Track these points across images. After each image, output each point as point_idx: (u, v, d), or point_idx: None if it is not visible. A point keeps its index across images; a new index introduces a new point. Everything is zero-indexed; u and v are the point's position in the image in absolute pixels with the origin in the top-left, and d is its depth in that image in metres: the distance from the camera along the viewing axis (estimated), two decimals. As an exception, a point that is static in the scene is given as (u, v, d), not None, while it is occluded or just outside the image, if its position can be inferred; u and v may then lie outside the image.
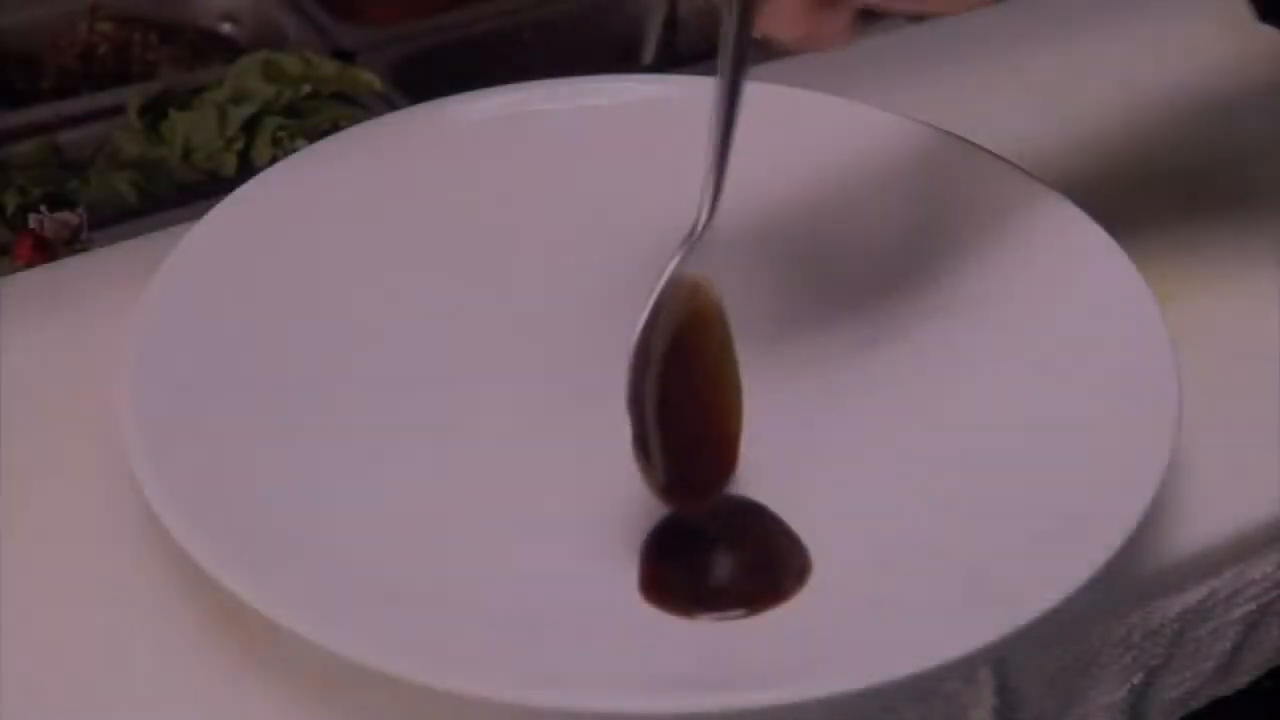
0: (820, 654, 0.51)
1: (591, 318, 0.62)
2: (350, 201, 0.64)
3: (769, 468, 0.57)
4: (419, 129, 0.67)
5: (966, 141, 0.65)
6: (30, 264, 0.76)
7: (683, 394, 0.54)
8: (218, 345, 0.58)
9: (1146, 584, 0.57)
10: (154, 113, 0.89)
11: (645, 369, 0.53)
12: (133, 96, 0.89)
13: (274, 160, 0.79)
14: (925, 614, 0.51)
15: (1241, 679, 0.61)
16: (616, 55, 1.03)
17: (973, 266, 0.62)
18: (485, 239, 0.65)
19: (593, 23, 1.04)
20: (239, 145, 0.87)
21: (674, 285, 0.54)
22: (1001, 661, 0.54)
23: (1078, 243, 0.61)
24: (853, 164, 0.65)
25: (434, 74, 0.89)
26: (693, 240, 0.54)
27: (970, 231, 0.63)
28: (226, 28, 1.02)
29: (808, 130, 0.66)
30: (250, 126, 0.87)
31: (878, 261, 0.64)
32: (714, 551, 0.56)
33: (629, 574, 0.54)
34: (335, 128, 0.82)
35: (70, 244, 0.78)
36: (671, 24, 1.05)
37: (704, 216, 0.54)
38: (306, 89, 0.89)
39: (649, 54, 1.04)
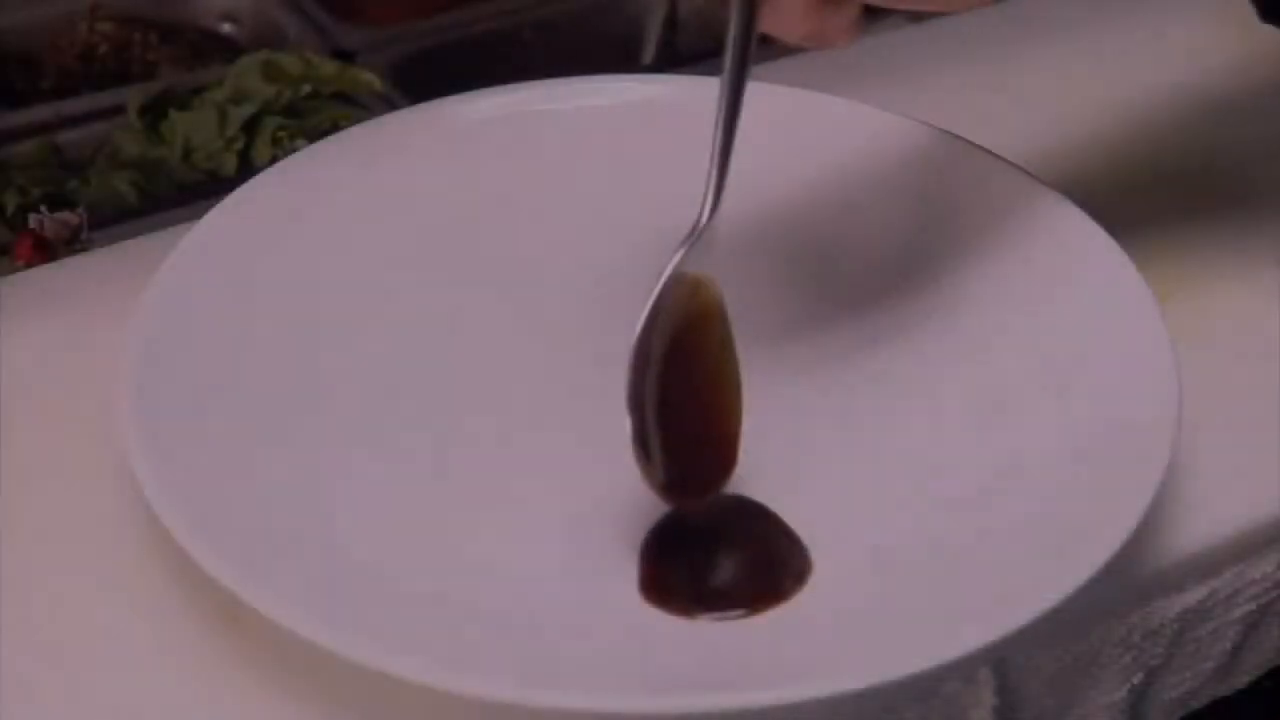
0: (820, 654, 0.51)
1: (591, 317, 0.62)
2: (350, 201, 0.64)
3: (769, 467, 0.57)
4: (419, 129, 0.67)
5: (966, 141, 0.65)
6: (30, 264, 0.76)
7: (683, 392, 0.54)
8: (218, 345, 0.58)
9: (1146, 584, 0.57)
10: (154, 113, 0.89)
11: (645, 367, 0.53)
12: (133, 96, 0.89)
13: (274, 160, 0.79)
14: (925, 614, 0.51)
15: (1241, 679, 0.61)
16: (616, 55, 1.03)
17: (973, 266, 0.62)
18: (485, 239, 0.65)
19: (593, 23, 1.03)
20: (239, 145, 0.87)
21: (674, 283, 0.54)
22: (1001, 661, 0.54)
23: (1078, 243, 0.61)
24: (853, 164, 0.65)
25: (434, 74, 0.89)
26: (693, 238, 0.54)
27: (970, 231, 0.63)
28: (226, 28, 1.02)
29: (808, 130, 0.66)
30: (250, 126, 0.87)
31: (878, 261, 0.64)
32: (714, 552, 0.56)
33: (629, 574, 0.54)
34: (335, 128, 0.82)
35: (70, 244, 0.78)
36: (671, 24, 1.04)
37: (705, 214, 0.54)
38: (306, 89, 0.89)
39: (649, 54, 1.04)
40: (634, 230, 0.62)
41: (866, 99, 0.67)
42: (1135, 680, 0.58)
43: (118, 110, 0.90)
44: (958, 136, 0.65)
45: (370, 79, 0.91)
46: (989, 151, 0.64)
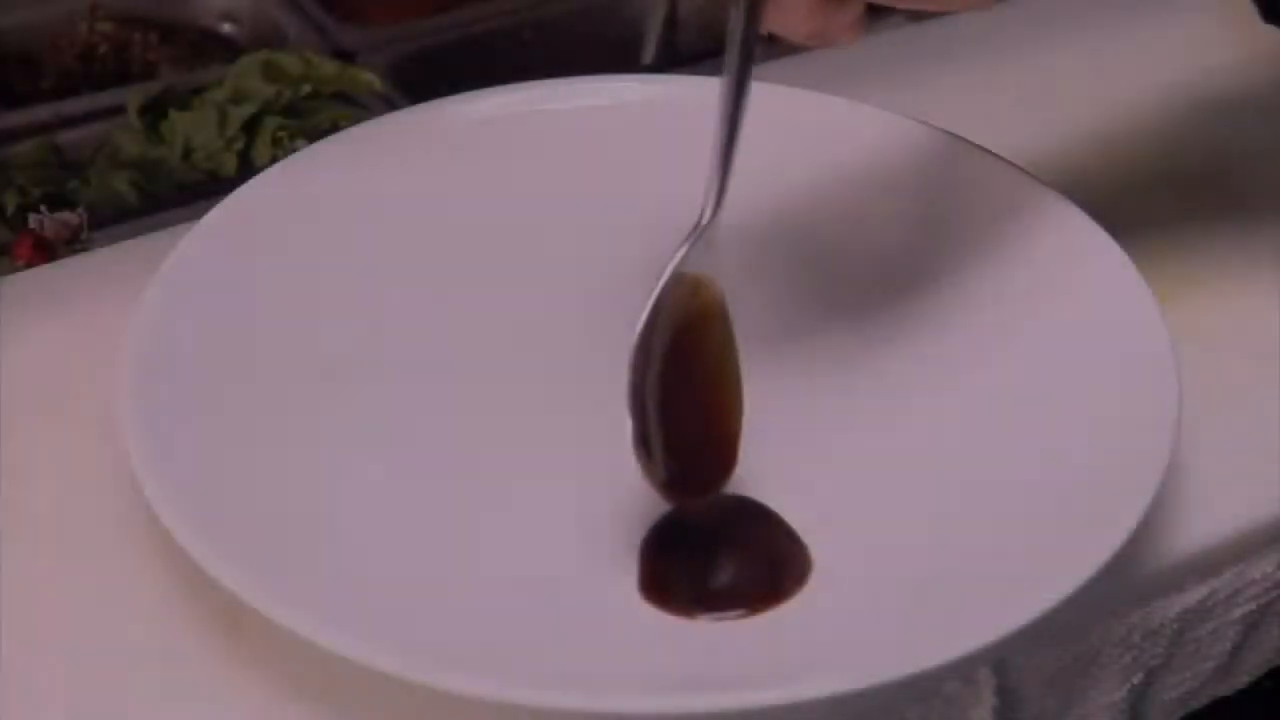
0: (820, 654, 0.51)
1: (592, 316, 0.62)
2: (350, 201, 0.64)
3: (769, 466, 0.57)
4: (419, 129, 0.67)
5: (966, 141, 0.65)
6: (30, 264, 0.76)
7: (684, 392, 0.54)
8: (218, 345, 0.58)
9: (1146, 584, 0.57)
10: (154, 113, 0.89)
11: (646, 367, 0.53)
12: (133, 96, 0.89)
13: (274, 160, 0.79)
14: (925, 614, 0.51)
15: (1241, 679, 0.61)
16: (616, 55, 1.03)
17: (973, 266, 0.62)
18: (485, 239, 0.65)
19: (593, 23, 1.03)
20: (239, 145, 0.87)
21: (675, 283, 0.54)
22: (1001, 661, 0.54)
23: (1078, 243, 0.61)
24: (853, 164, 0.65)
25: (434, 74, 0.89)
26: (694, 237, 0.54)
27: (970, 231, 0.63)
28: (226, 28, 1.02)
29: (808, 130, 0.66)
30: (250, 126, 0.87)
31: (878, 261, 0.64)
32: (714, 551, 0.56)
33: (629, 573, 0.54)
34: (335, 128, 0.82)
35: (70, 244, 0.78)
36: (671, 24, 1.04)
37: (708, 213, 0.54)
38: (306, 89, 0.89)
39: (649, 54, 1.04)
40: (634, 230, 0.62)
41: (866, 99, 0.67)
42: (1135, 680, 0.58)
43: (118, 110, 0.90)
44: (958, 136, 0.65)
45: (370, 79, 0.91)
46: (989, 151, 0.64)
